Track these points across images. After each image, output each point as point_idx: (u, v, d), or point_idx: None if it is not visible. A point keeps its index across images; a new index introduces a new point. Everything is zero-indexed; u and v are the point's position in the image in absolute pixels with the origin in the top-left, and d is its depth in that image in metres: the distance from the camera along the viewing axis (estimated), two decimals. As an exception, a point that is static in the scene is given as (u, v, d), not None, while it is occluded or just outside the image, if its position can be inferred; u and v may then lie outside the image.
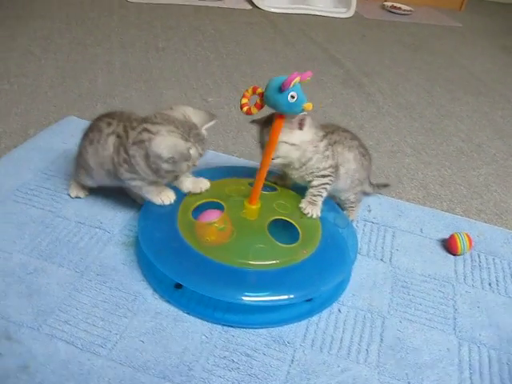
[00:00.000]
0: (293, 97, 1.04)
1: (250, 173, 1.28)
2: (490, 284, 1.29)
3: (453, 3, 4.32)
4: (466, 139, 2.06)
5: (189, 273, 1.08)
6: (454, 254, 1.36)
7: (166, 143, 1.10)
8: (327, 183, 1.27)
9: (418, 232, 1.43)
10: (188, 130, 1.14)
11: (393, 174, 1.73)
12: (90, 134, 1.24)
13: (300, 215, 1.24)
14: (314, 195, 1.27)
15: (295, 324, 1.10)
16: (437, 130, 2.11)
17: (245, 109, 1.11)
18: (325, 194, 1.28)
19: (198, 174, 1.28)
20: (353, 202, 1.39)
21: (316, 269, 1.13)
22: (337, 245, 1.23)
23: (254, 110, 1.11)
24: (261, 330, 1.08)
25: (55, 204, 1.35)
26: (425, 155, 1.89)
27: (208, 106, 2.03)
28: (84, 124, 1.32)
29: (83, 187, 1.37)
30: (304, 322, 1.11)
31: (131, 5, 3.19)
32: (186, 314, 1.09)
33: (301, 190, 1.32)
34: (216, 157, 1.63)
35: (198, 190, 1.26)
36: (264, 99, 1.09)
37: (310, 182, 1.28)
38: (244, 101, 1.12)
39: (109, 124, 1.21)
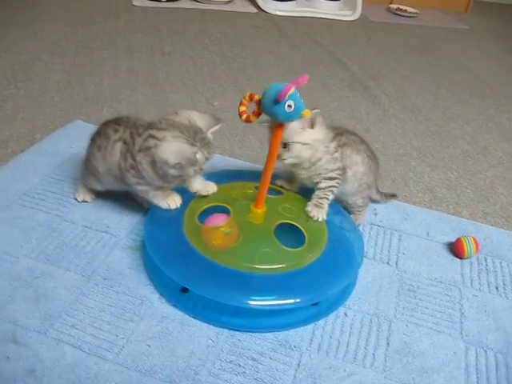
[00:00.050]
0: (290, 106, 1.01)
1: (256, 176, 1.28)
2: (496, 288, 1.28)
3: (459, 5, 4.32)
4: (472, 142, 2.06)
5: (195, 277, 1.08)
6: (461, 258, 1.35)
7: (172, 149, 1.11)
8: (334, 186, 1.27)
9: (424, 235, 1.43)
10: (194, 135, 1.14)
11: (399, 177, 1.72)
12: (98, 140, 1.24)
13: (306, 219, 1.24)
14: (321, 198, 1.27)
15: (301, 328, 1.10)
16: (443, 133, 2.10)
17: (244, 117, 1.10)
18: (331, 197, 1.28)
19: (205, 178, 1.28)
20: (360, 207, 1.39)
21: (322, 273, 1.12)
22: (343, 248, 1.23)
23: (252, 118, 1.10)
24: (267, 334, 1.08)
25: (62, 208, 1.35)
26: (431, 158, 1.89)
27: (214, 109, 2.03)
28: (90, 128, 1.33)
29: (90, 191, 1.38)
30: (310, 326, 1.11)
31: (137, 9, 3.20)
32: (192, 318, 1.09)
33: (306, 194, 1.32)
34: (222, 160, 1.63)
35: (205, 193, 1.26)
36: (261, 108, 1.07)
37: (317, 183, 1.28)
38: (242, 108, 1.10)
39: (116, 130, 1.21)
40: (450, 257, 1.36)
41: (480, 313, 1.20)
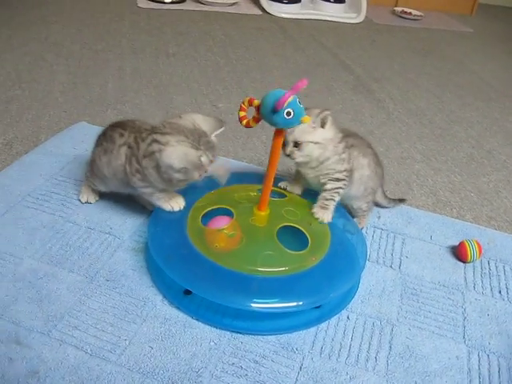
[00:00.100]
0: (289, 113, 1.01)
1: (259, 179, 1.28)
2: (500, 292, 1.28)
3: (463, 8, 4.32)
4: (476, 145, 2.06)
5: (198, 279, 1.08)
6: (464, 262, 1.35)
7: (176, 153, 1.11)
8: (340, 187, 1.27)
9: (427, 239, 1.43)
10: (198, 138, 1.14)
11: (403, 181, 1.72)
12: (104, 144, 1.25)
13: (309, 222, 1.24)
14: (327, 199, 1.27)
15: (304, 331, 1.10)
16: (447, 136, 2.10)
17: (244, 122, 1.10)
18: (337, 199, 1.28)
19: (207, 180, 1.28)
20: (364, 211, 1.39)
21: (325, 276, 1.13)
22: (346, 252, 1.23)
23: (252, 124, 1.09)
24: (269, 337, 1.08)
25: (65, 209, 1.36)
26: (435, 161, 1.89)
27: (218, 111, 2.03)
28: (95, 130, 1.33)
29: (93, 192, 1.38)
30: (313, 329, 1.11)
31: (142, 10, 3.21)
32: (194, 321, 1.09)
33: (310, 197, 1.32)
34: (225, 163, 1.63)
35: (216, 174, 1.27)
36: (260, 115, 1.07)
37: (323, 185, 1.28)
38: (242, 114, 1.10)
39: (121, 135, 1.22)
40: (454, 260, 1.36)
41: (483, 317, 1.20)
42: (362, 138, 1.37)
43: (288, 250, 1.13)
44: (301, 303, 1.06)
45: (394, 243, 1.39)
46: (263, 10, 3.52)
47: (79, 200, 1.38)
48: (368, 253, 1.30)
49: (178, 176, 1.13)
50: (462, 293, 1.26)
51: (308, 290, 1.10)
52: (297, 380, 1.00)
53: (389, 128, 2.10)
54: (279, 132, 1.10)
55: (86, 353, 0.99)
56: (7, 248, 1.21)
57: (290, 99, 0.99)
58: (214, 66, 2.51)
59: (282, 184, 1.36)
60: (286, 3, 3.56)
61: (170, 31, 2.91)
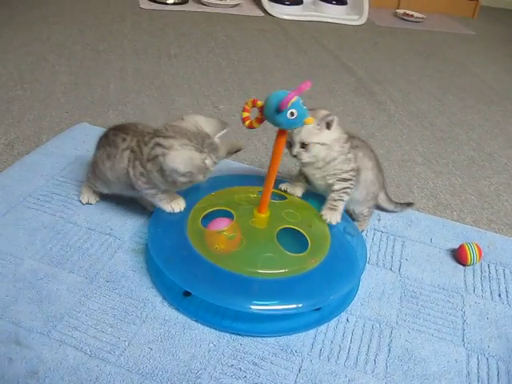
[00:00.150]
0: (292, 114, 1.02)
1: (259, 181, 1.29)
2: (499, 295, 1.28)
3: (466, 11, 4.31)
4: (477, 148, 2.06)
5: (197, 281, 1.09)
6: (464, 265, 1.35)
7: (181, 158, 1.11)
8: (348, 187, 1.28)
9: (427, 242, 1.43)
10: (201, 141, 1.14)
11: (403, 183, 1.72)
12: (108, 149, 1.25)
13: (309, 224, 1.24)
14: (335, 200, 1.28)
15: (303, 333, 1.10)
16: (448, 139, 2.10)
17: (247, 123, 1.10)
18: (346, 199, 1.29)
19: (209, 181, 1.28)
20: (366, 216, 1.40)
21: (325, 278, 1.13)
22: (346, 254, 1.23)
23: (255, 124, 1.10)
24: (269, 339, 1.08)
25: (66, 210, 1.36)
26: (435, 164, 1.89)
27: (219, 113, 2.04)
28: (96, 130, 1.34)
29: (94, 193, 1.38)
30: (312, 331, 1.11)
31: (144, 11, 3.21)
32: (194, 322, 1.09)
33: (310, 199, 1.33)
34: (226, 164, 1.64)
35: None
36: (264, 115, 1.07)
37: (330, 185, 1.29)
38: (245, 114, 1.10)
39: (124, 139, 1.22)
40: (453, 264, 1.36)
41: (482, 320, 1.20)
42: (365, 142, 1.38)
43: (288, 252, 1.14)
44: (300, 305, 1.06)
45: (394, 246, 1.39)
46: (265, 11, 3.52)
47: (80, 201, 1.39)
48: (368, 255, 1.30)
49: (182, 179, 1.14)
50: (462, 296, 1.26)
51: (308, 292, 1.10)
52: (295, 382, 1.00)
53: (390, 130, 2.10)
54: (282, 132, 1.10)
55: (86, 353, 1.00)
56: (8, 248, 1.21)
57: (293, 100, 1.00)
58: (216, 68, 2.51)
59: (282, 186, 1.36)
60: (288, 5, 3.57)
61: (171, 32, 2.92)
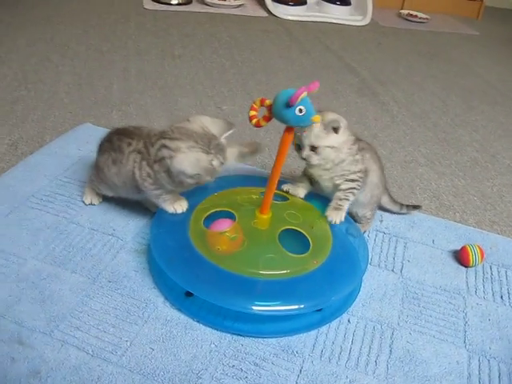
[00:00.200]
0: (301, 111, 1.03)
1: (262, 182, 1.29)
2: (501, 297, 1.28)
3: (470, 11, 4.30)
4: (480, 149, 2.05)
5: (199, 281, 1.09)
6: (466, 266, 1.35)
7: (188, 160, 1.11)
8: (355, 188, 1.29)
9: (429, 243, 1.43)
10: (208, 143, 1.14)
11: (406, 184, 1.72)
12: (113, 154, 1.25)
13: (311, 225, 1.25)
14: (341, 199, 1.29)
15: (304, 334, 1.10)
16: (451, 140, 2.10)
17: (254, 121, 1.10)
18: (351, 199, 1.29)
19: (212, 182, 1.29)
20: (368, 219, 1.41)
21: (326, 279, 1.13)
22: (348, 255, 1.23)
23: (262, 123, 1.10)
24: (270, 340, 1.08)
25: (69, 210, 1.37)
26: (438, 165, 1.88)
27: (222, 114, 2.04)
28: (99, 131, 1.34)
29: (97, 194, 1.39)
30: (313, 332, 1.11)
31: (148, 12, 3.22)
32: (196, 322, 1.10)
33: (312, 200, 1.33)
34: (229, 165, 1.63)
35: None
36: (272, 112, 1.08)
37: (337, 186, 1.29)
38: (252, 113, 1.11)
39: (129, 144, 1.23)
40: (456, 265, 1.36)
41: (484, 322, 1.20)
42: (370, 144, 1.39)
43: (290, 253, 1.14)
44: (302, 306, 1.06)
45: (396, 247, 1.39)
46: (269, 12, 3.52)
47: (83, 201, 1.39)
48: (370, 256, 1.30)
49: (190, 181, 1.14)
50: (464, 297, 1.26)
51: (309, 293, 1.10)
52: (296, 383, 1.00)
53: (393, 131, 2.10)
54: (289, 131, 1.11)
55: (88, 353, 1.00)
56: (11, 248, 1.22)
57: (303, 95, 1.01)
58: (220, 68, 2.52)
59: (284, 187, 1.36)
60: (292, 5, 3.56)
61: (175, 33, 2.92)
